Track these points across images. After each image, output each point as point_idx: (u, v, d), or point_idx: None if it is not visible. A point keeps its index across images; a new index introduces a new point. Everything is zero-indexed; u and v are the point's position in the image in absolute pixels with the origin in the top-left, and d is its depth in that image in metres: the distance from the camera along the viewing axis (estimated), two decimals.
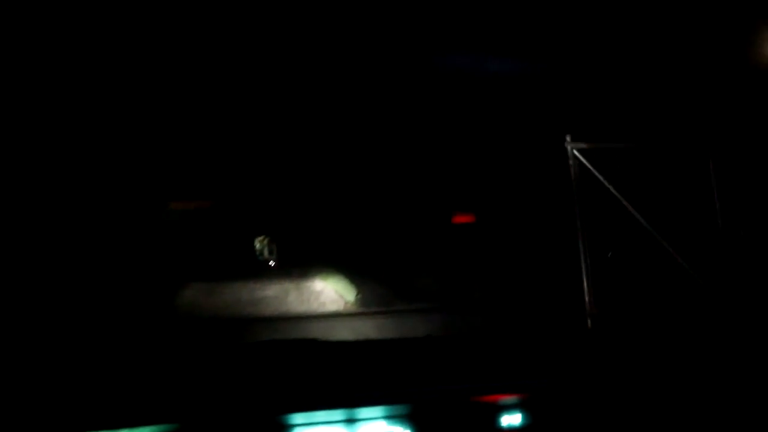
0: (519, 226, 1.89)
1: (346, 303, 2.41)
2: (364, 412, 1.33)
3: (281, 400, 1.29)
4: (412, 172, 2.07)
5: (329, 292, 2.48)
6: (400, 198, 2.16)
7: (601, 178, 1.82)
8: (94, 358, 1.29)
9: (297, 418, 1.30)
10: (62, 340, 1.38)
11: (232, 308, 2.23)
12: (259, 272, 2.43)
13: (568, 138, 1.86)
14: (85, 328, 1.50)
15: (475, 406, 1.35)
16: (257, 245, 2.45)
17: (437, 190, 2.10)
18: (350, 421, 1.33)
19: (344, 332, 1.47)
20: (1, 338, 1.25)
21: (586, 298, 1.69)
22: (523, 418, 1.37)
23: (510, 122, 1.78)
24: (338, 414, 1.32)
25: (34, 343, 1.35)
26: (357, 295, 2.40)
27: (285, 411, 1.28)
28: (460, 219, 2.08)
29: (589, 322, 1.59)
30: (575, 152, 1.83)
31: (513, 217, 1.92)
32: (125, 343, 1.40)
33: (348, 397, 1.31)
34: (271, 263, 2.47)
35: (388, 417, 1.35)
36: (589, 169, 1.82)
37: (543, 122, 1.82)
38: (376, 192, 2.19)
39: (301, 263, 2.50)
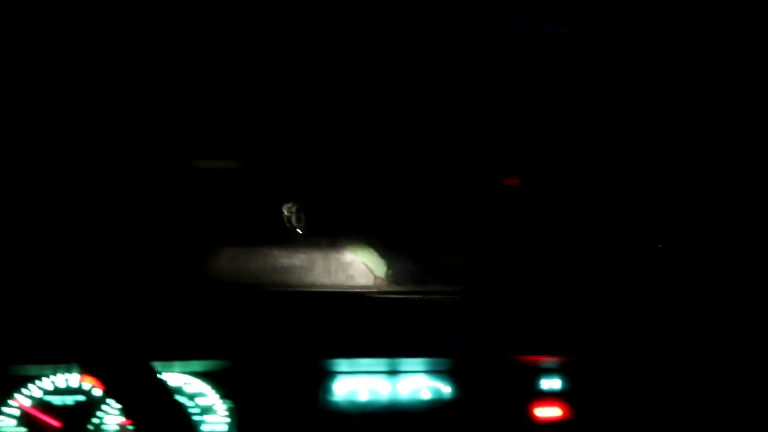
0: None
1: (375, 278, 2.43)
2: (405, 364, 1.37)
3: (325, 348, 1.34)
4: (455, 137, 2.05)
5: (358, 265, 2.50)
6: (439, 167, 2.14)
7: None
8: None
9: (340, 365, 1.35)
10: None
11: (255, 275, 2.26)
12: (286, 240, 2.45)
13: None
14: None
15: (515, 366, 1.38)
16: (285, 212, 2.47)
17: (484, 155, 2.05)
18: (392, 372, 1.38)
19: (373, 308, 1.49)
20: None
21: None
22: (563, 382, 1.40)
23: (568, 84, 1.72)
24: (381, 364, 1.36)
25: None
26: (388, 270, 2.42)
27: (328, 357, 1.33)
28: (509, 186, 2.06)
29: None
30: None
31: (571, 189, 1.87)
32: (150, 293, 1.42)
33: (391, 347, 1.35)
34: (299, 231, 2.48)
35: (430, 371, 1.39)
36: None
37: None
38: (413, 161, 2.17)
39: (331, 233, 2.51)
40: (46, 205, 1.59)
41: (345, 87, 1.97)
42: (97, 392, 1.21)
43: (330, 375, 1.36)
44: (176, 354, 1.22)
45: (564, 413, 1.38)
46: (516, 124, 1.83)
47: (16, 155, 1.62)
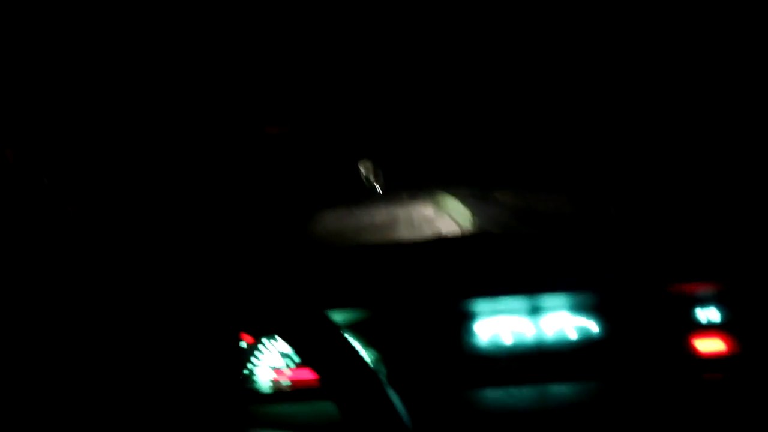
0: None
1: (460, 228, 2.37)
2: (547, 300, 1.30)
3: (464, 289, 1.29)
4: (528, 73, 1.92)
5: (442, 217, 2.44)
6: (517, 105, 2.01)
7: None
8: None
9: (481, 305, 1.29)
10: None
11: (336, 237, 2.23)
12: (367, 199, 2.41)
13: None
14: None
15: (667, 297, 1.29)
16: (362, 170, 2.42)
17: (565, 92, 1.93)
18: (533, 310, 1.31)
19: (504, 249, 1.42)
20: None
21: None
22: (722, 313, 1.29)
23: None
24: (521, 302, 1.29)
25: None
26: (473, 218, 2.34)
27: (469, 297, 1.27)
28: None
29: None
30: None
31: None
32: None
33: (531, 284, 1.28)
34: (378, 189, 2.44)
35: (572, 307, 1.31)
36: None
37: None
38: (488, 100, 2.05)
39: (410, 187, 2.46)
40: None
41: (417, 36, 1.85)
42: (242, 346, 1.20)
43: (472, 317, 1.31)
44: (323, 306, 1.20)
45: (726, 347, 1.28)
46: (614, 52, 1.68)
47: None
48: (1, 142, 1.62)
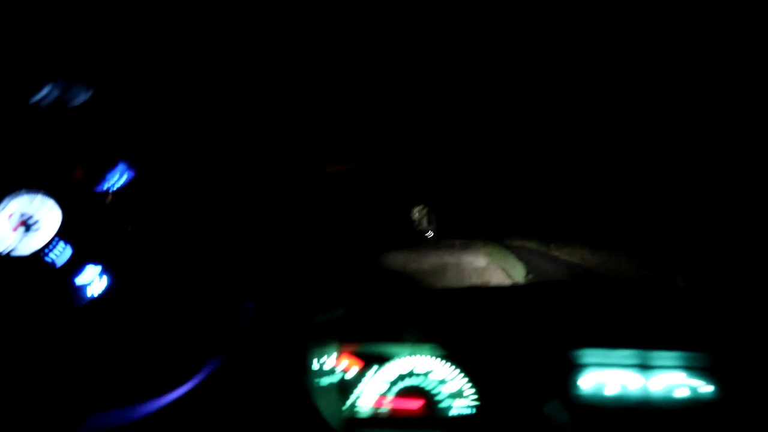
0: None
1: (513, 283, 2.32)
2: (661, 357, 1.25)
3: (574, 337, 1.25)
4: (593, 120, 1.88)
5: (494, 269, 2.40)
6: (582, 152, 1.98)
7: None
8: None
9: (590, 356, 1.25)
10: None
11: (382, 281, 2.21)
12: (416, 244, 2.38)
13: None
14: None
15: None
16: (415, 215, 2.40)
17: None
18: (645, 367, 1.26)
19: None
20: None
21: None
22: None
23: None
24: (633, 356, 1.25)
25: None
26: (527, 275, 2.30)
27: (578, 347, 1.23)
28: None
29: None
30: None
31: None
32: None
33: (645, 338, 1.24)
34: (429, 234, 2.41)
35: (689, 367, 1.26)
36: None
37: None
38: (548, 149, 2.02)
39: (463, 235, 2.43)
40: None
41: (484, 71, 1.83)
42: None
43: (580, 366, 1.26)
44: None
45: None
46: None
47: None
48: (73, 159, 1.64)
